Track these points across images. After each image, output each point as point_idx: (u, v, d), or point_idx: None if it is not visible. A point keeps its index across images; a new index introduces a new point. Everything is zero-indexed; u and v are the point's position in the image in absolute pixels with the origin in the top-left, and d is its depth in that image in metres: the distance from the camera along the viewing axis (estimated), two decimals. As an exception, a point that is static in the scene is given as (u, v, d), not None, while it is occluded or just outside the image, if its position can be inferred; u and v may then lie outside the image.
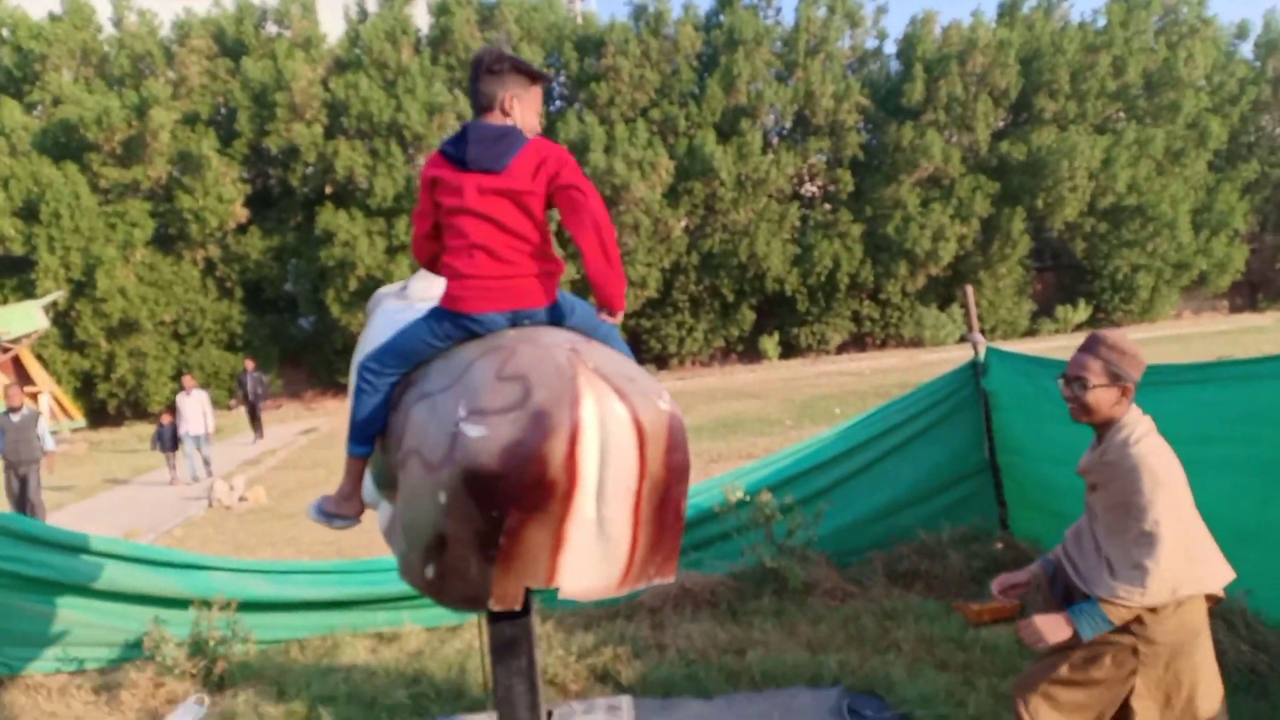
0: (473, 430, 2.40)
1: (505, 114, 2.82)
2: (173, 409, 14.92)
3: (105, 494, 14.15)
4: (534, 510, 2.41)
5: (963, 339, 29.50)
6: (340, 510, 3.01)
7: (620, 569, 2.61)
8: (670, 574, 2.68)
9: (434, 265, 2.91)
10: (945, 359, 23.64)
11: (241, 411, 21.33)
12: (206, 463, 14.76)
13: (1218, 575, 2.61)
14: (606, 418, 2.45)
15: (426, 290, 3.60)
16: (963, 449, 6.28)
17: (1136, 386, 2.73)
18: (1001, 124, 31.33)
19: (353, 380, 3.16)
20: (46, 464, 10.66)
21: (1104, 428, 2.74)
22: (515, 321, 2.75)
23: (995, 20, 31.62)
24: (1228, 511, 4.30)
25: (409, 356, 2.80)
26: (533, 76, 2.85)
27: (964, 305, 24.88)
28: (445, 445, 2.43)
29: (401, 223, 26.61)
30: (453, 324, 2.73)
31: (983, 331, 6.48)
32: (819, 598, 5.40)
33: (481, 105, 2.81)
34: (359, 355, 3.45)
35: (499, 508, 2.40)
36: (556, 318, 2.81)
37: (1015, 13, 31.88)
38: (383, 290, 4.02)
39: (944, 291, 31.24)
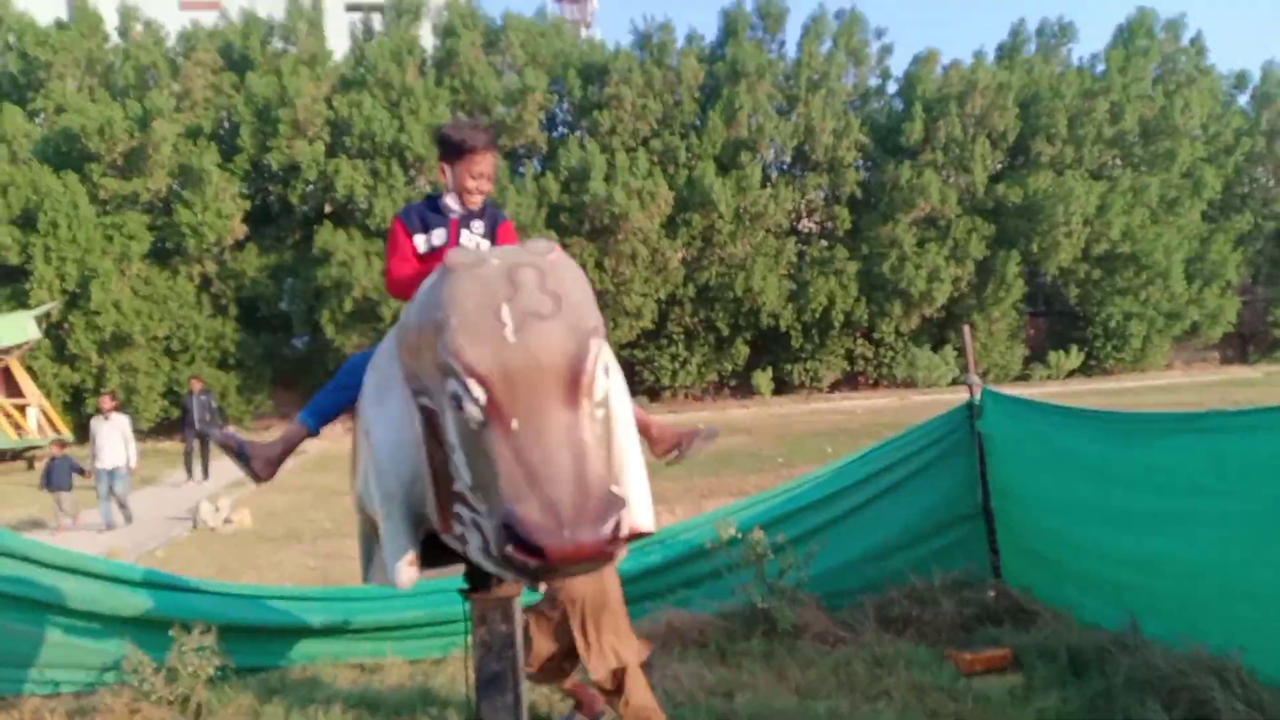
0: None
1: None
2: (62, 442, 12.57)
3: (87, 510, 13.98)
4: None
5: (956, 381, 29.59)
6: None
7: None
8: None
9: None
10: (938, 400, 23.66)
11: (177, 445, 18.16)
12: (123, 506, 12.17)
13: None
14: None
15: None
16: (956, 493, 6.23)
17: None
18: (999, 166, 31.56)
19: None
20: None
21: None
22: None
23: (995, 61, 31.91)
24: (1220, 565, 4.27)
25: None
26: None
27: (958, 347, 24.81)
28: None
29: (399, 244, 26.59)
30: None
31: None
32: (809, 641, 5.33)
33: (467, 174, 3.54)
34: None
35: None
36: None
37: (1015, 55, 32.21)
38: None
39: (937, 333, 31.31)
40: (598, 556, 2.01)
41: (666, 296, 29.15)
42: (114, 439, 12.17)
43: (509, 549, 2.00)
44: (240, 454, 3.40)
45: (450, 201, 3.49)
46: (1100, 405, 19.42)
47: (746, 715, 4.41)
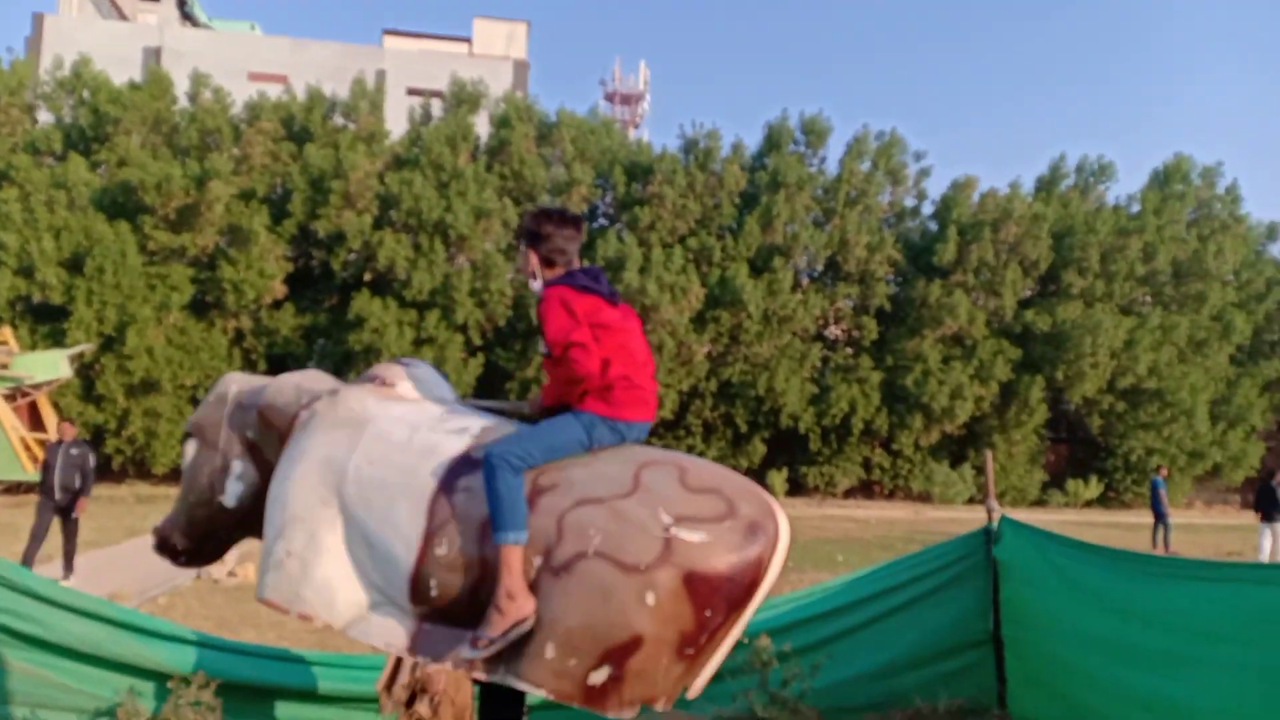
0: (692, 536, 2.63)
1: None
2: None
3: (95, 550, 14.03)
4: (739, 610, 2.67)
5: (972, 500, 29.25)
6: (518, 617, 2.69)
7: (714, 669, 2.83)
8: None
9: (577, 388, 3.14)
10: (952, 518, 23.40)
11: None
12: None
13: None
14: (785, 531, 2.84)
15: (432, 390, 3.57)
16: (968, 617, 6.16)
17: None
18: (1029, 293, 31.80)
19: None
20: None
21: None
22: (641, 432, 3.16)
23: (1032, 193, 32.44)
24: (1233, 715, 4.20)
25: (556, 453, 3.00)
26: None
27: (976, 465, 24.51)
28: (656, 549, 2.60)
29: (433, 316, 27.05)
30: (609, 430, 3.04)
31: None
32: (808, 755, 5.24)
33: (574, 252, 3.49)
34: (323, 467, 3.31)
35: (714, 607, 2.60)
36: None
37: (1052, 188, 32.75)
38: (299, 383, 3.68)
39: (956, 450, 31.11)
40: None
41: (689, 389, 29.27)
42: None
43: None
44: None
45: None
46: (1118, 537, 19.08)
47: (739, 826, 4.32)
